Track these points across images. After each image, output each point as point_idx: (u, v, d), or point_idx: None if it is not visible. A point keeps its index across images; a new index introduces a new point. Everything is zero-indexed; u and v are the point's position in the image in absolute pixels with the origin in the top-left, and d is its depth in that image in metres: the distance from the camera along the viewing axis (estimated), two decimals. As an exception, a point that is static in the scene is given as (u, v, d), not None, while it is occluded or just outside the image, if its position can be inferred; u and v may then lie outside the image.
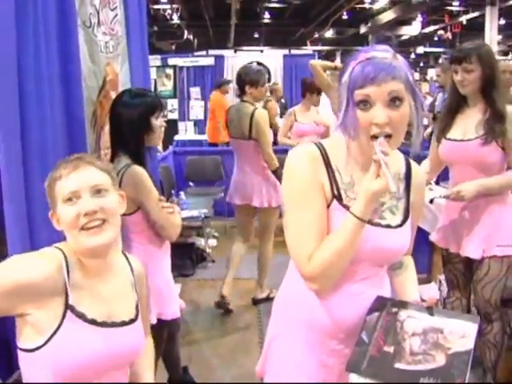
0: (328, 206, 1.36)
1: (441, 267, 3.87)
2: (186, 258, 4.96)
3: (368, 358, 1.24)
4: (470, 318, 1.31)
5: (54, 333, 1.29)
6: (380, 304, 1.36)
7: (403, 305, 1.37)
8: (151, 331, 2.27)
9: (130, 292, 1.49)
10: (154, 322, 2.26)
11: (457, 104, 2.64)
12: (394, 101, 1.25)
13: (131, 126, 2.23)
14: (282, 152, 4.13)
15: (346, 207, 1.34)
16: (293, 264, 1.46)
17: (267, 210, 4.09)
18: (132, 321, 1.44)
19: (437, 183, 4.41)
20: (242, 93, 4.10)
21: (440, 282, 3.98)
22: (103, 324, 1.37)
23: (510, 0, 13.68)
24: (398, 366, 1.21)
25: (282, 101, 4.61)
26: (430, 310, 1.33)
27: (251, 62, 10.43)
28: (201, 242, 5.41)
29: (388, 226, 1.39)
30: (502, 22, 15.81)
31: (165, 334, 2.44)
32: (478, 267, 2.66)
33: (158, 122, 2.25)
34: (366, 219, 1.29)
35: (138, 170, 2.18)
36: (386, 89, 1.24)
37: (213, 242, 5.70)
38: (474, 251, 2.60)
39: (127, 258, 1.55)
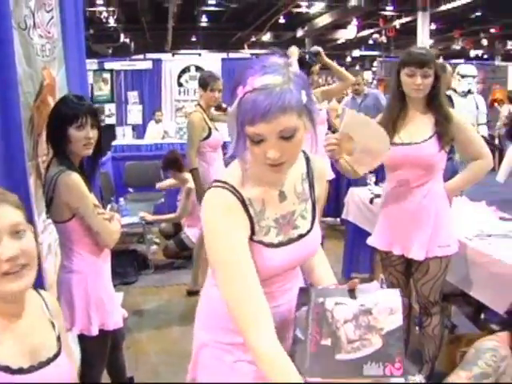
0: None
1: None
2: (128, 265, 4.87)
3: (309, 355, 1.25)
4: (391, 292, 1.34)
5: None
6: (305, 296, 1.37)
7: (326, 292, 1.38)
8: (94, 343, 2.24)
9: (48, 327, 1.40)
10: (96, 333, 2.21)
11: (399, 109, 2.67)
12: (287, 133, 1.22)
13: (50, 136, 2.20)
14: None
15: (258, 242, 1.34)
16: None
17: None
18: (57, 354, 1.36)
19: (376, 183, 4.54)
20: (199, 96, 4.37)
21: (382, 280, 4.08)
22: (31, 369, 1.28)
23: (440, 6, 14.22)
24: (338, 357, 1.23)
25: (224, 105, 4.57)
26: (351, 292, 1.34)
27: (189, 66, 10.44)
28: (142, 248, 5.34)
29: (300, 236, 1.41)
30: (433, 26, 16.40)
31: (108, 345, 2.37)
32: (417, 267, 2.72)
33: (82, 133, 2.14)
34: None
35: (71, 175, 2.12)
36: (278, 126, 1.20)
37: (154, 248, 5.63)
38: (418, 253, 2.65)
39: (39, 294, 1.45)
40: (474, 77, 6.06)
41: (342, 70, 4.73)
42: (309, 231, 1.43)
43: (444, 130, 2.58)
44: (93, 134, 2.17)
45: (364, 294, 1.33)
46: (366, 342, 1.24)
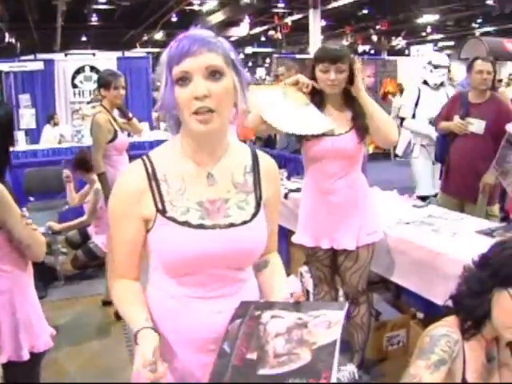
0: (154, 224, 1.32)
1: (299, 260, 4.00)
2: (36, 279, 4.52)
3: (230, 368, 1.17)
4: (336, 306, 1.27)
5: None
6: (243, 309, 1.30)
7: (268, 306, 1.31)
8: (24, 370, 2.03)
9: None
10: (27, 357, 2.02)
11: (318, 103, 2.68)
12: (214, 74, 1.23)
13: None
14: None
15: (171, 219, 1.30)
16: (153, 274, 1.40)
17: None
18: None
19: (288, 178, 4.58)
20: (102, 97, 4.10)
21: (301, 274, 4.11)
22: None
23: (330, 3, 14.68)
24: (261, 372, 1.15)
25: (130, 114, 4.37)
26: (296, 305, 1.27)
27: (83, 66, 10.02)
28: (50, 259, 5.03)
29: (231, 225, 1.33)
30: (324, 23, 16.90)
31: (38, 370, 2.16)
32: (346, 257, 2.76)
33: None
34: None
35: None
36: (203, 61, 1.21)
37: (62, 258, 5.33)
38: (349, 243, 2.69)
39: None
40: (447, 67, 5.42)
41: None
42: (245, 223, 1.35)
43: (361, 124, 2.62)
44: None
45: (309, 307, 1.27)
46: (294, 356, 1.15)
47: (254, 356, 1.18)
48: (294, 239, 2.89)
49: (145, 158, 1.36)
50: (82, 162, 4.94)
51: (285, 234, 4.10)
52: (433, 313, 1.99)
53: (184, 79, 1.22)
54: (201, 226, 1.30)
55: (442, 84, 5.29)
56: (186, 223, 1.29)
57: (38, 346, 2.08)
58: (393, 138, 2.66)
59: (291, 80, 2.66)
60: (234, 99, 1.29)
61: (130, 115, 4.42)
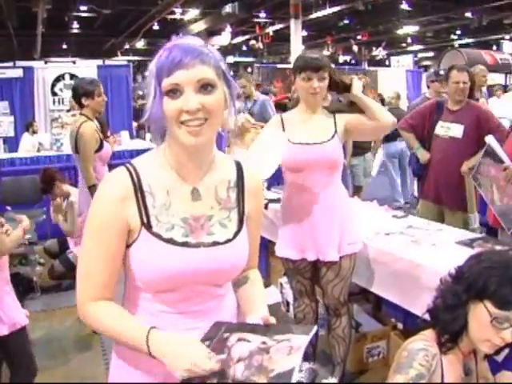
0: (137, 237, 1.27)
1: (279, 270, 3.97)
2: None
3: None
4: (303, 330, 1.22)
5: None
6: (214, 331, 1.27)
7: (238, 328, 1.27)
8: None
9: None
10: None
11: (299, 112, 2.71)
12: (206, 87, 1.19)
13: None
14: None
15: (156, 235, 1.26)
16: (129, 288, 1.35)
17: None
18: None
19: (268, 189, 4.56)
20: (80, 106, 4.03)
21: (281, 284, 4.09)
22: None
23: (311, 14, 14.79)
24: None
25: (108, 133, 4.35)
26: (265, 328, 1.25)
27: (63, 74, 9.94)
28: (26, 270, 4.93)
29: (215, 244, 1.30)
30: (305, 33, 17.03)
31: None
32: (329, 269, 2.73)
33: None
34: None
35: None
36: (195, 74, 1.18)
37: (39, 269, 5.23)
38: (333, 254, 2.67)
39: None
40: None
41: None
42: (228, 241, 1.32)
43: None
44: None
45: (277, 330, 1.23)
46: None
47: (214, 381, 1.15)
48: (279, 253, 2.85)
49: (129, 166, 1.30)
50: (52, 178, 4.81)
51: (265, 245, 4.09)
52: (413, 324, 1.98)
53: (174, 91, 1.19)
54: (185, 244, 1.27)
55: None
56: (170, 240, 1.26)
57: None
58: (389, 119, 2.64)
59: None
60: (224, 111, 1.26)
61: (108, 133, 4.41)
